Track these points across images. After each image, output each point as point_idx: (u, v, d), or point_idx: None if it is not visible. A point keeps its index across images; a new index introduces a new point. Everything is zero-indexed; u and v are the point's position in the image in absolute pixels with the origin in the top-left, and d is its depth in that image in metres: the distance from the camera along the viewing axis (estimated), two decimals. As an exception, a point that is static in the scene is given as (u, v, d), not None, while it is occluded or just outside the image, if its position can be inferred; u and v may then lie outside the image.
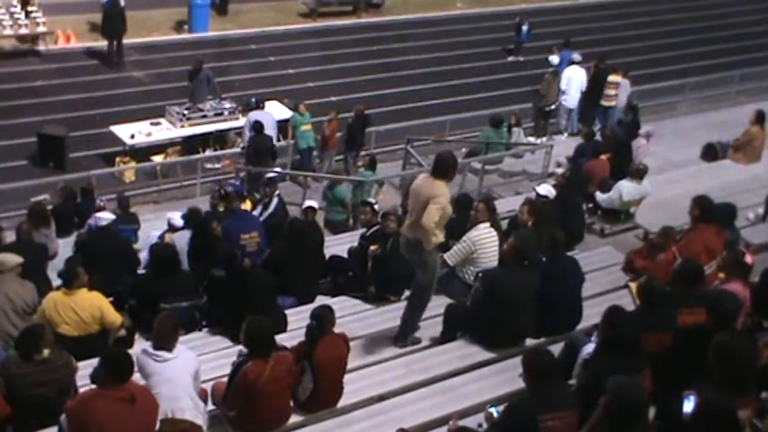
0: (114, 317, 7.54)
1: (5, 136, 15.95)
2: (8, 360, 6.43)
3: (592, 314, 7.66)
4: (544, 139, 16.63)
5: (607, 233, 10.83)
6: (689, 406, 5.03)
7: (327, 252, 9.88)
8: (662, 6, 27.88)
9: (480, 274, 8.11)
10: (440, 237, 6.98)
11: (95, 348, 7.24)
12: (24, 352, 6.26)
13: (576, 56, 17.15)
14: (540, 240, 8.40)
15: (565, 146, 15.07)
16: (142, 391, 5.57)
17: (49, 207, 11.00)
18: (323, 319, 6.50)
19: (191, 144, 16.04)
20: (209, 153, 15.94)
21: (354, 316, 8.41)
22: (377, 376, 7.08)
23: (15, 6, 19.62)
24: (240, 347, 6.43)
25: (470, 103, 18.78)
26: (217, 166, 15.68)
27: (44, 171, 14.80)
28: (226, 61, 20.35)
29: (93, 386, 5.87)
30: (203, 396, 6.33)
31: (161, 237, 9.78)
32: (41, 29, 19.74)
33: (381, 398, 6.78)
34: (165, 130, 15.90)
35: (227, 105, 16.55)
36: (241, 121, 15.70)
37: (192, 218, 9.71)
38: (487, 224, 8.53)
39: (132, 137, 15.41)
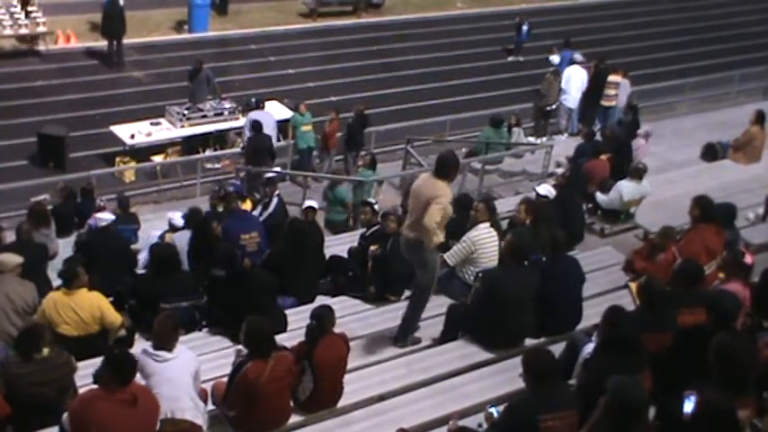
0: (114, 317, 7.54)
1: (5, 136, 15.95)
2: (8, 360, 6.42)
3: (592, 314, 7.66)
4: (544, 139, 16.63)
5: (607, 233, 10.83)
6: (689, 406, 5.03)
7: (327, 252, 9.88)
8: (662, 6, 27.88)
9: (480, 274, 8.12)
10: (440, 237, 6.98)
11: (95, 348, 7.26)
12: (23, 352, 6.26)
13: (578, 56, 17.15)
14: (538, 239, 8.42)
15: (565, 146, 15.07)
16: (143, 392, 5.57)
17: (49, 207, 11.00)
18: (323, 319, 6.50)
19: (191, 144, 16.04)
20: (209, 153, 15.94)
21: (354, 316, 8.41)
22: (377, 376, 7.08)
23: (15, 6, 19.60)
24: (238, 346, 6.44)
25: (470, 103, 18.78)
26: (217, 166, 15.68)
27: (44, 171, 14.80)
28: (226, 61, 20.34)
29: (94, 386, 5.87)
30: (203, 396, 6.33)
31: (161, 237, 9.77)
32: (41, 29, 19.73)
33: (381, 398, 6.78)
34: (165, 130, 15.90)
35: (227, 105, 16.55)
36: (241, 121, 15.70)
37: (192, 218, 9.71)
38: (487, 224, 8.54)
39: (132, 137, 15.41)
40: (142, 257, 9.43)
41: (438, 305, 8.17)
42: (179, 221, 9.74)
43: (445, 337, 7.70)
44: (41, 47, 19.80)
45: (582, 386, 5.90)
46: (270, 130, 14.52)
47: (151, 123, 15.91)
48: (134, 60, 20.13)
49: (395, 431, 5.76)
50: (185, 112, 16.03)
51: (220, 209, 10.70)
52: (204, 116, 16.17)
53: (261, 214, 11.01)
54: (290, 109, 16.29)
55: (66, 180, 13.17)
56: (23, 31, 19.56)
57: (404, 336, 7.67)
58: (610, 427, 4.95)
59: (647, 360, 5.90)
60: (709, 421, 4.88)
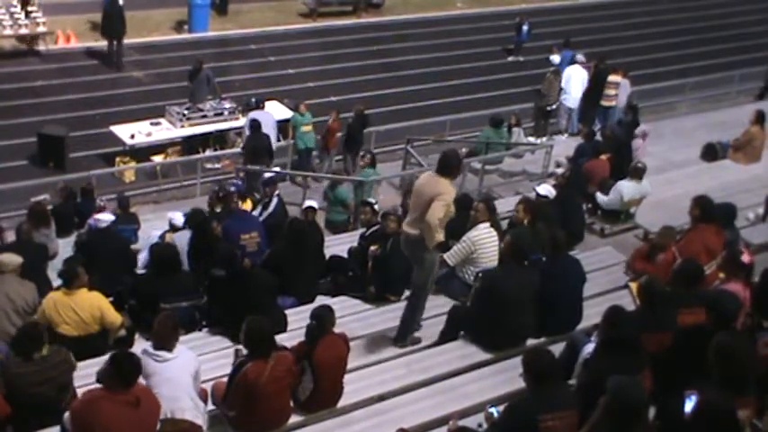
0: (114, 317, 7.54)
1: (5, 136, 15.95)
2: (8, 360, 6.42)
3: (592, 314, 7.67)
4: (544, 139, 16.63)
5: (607, 233, 10.83)
6: (690, 406, 5.04)
7: (327, 252, 9.88)
8: (662, 6, 27.89)
9: (480, 274, 8.12)
10: (441, 235, 6.98)
11: (95, 348, 7.27)
12: (22, 352, 6.25)
13: (580, 56, 17.14)
14: (538, 239, 8.43)
15: (565, 146, 15.07)
16: (145, 394, 5.58)
17: (49, 207, 11.00)
18: (323, 319, 6.50)
19: (191, 144, 16.04)
20: (209, 153, 15.94)
21: (354, 316, 8.40)
22: (377, 376, 7.08)
23: (15, 6, 19.60)
24: (237, 346, 6.44)
25: (470, 103, 18.78)
26: (217, 166, 15.68)
27: (44, 171, 14.79)
28: (226, 61, 20.34)
29: (95, 385, 5.86)
30: (203, 396, 6.33)
31: (161, 237, 9.77)
32: (41, 29, 19.73)
33: (381, 398, 6.78)
34: (165, 130, 15.90)
35: (227, 105, 16.55)
36: (241, 121, 15.70)
37: (192, 218, 9.71)
38: (487, 224, 8.54)
39: (132, 137, 15.41)
40: (142, 257, 9.43)
41: (438, 305, 8.17)
42: (179, 221, 9.74)
43: (445, 337, 7.70)
44: (41, 47, 19.80)
45: (582, 386, 5.90)
46: (270, 129, 14.52)
47: (151, 123, 15.90)
48: (134, 60, 20.13)
49: (395, 431, 5.76)
50: (185, 112, 16.03)
51: (218, 210, 10.70)
52: (204, 116, 16.17)
53: (261, 214, 11.01)
54: (291, 109, 16.28)
55: (66, 180, 13.17)
56: (23, 31, 19.56)
57: (403, 336, 7.67)
58: (610, 427, 4.95)
59: (647, 360, 5.90)
60: (709, 421, 4.88)
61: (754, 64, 21.25)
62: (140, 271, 9.21)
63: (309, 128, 15.41)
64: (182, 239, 9.25)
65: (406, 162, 14.92)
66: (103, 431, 5.32)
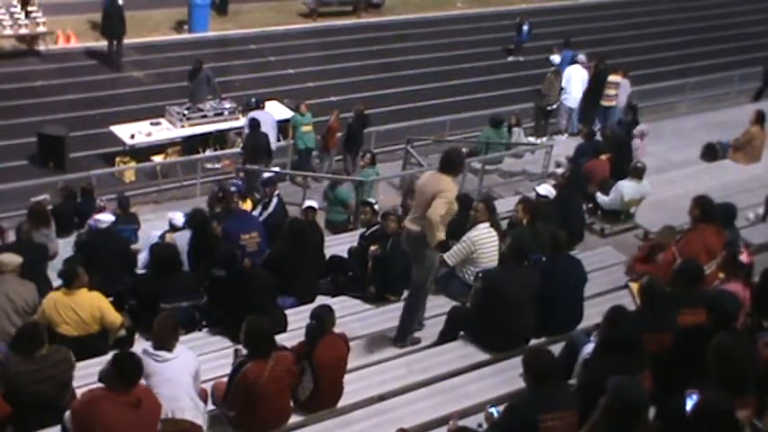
0: (114, 317, 7.54)
1: (5, 136, 15.95)
2: (8, 359, 6.42)
3: (592, 314, 7.68)
4: (544, 139, 16.63)
5: (607, 233, 10.83)
6: (691, 405, 5.04)
7: (327, 252, 9.88)
8: (662, 6, 27.89)
9: (480, 274, 8.12)
10: (442, 233, 6.99)
11: (95, 348, 7.27)
12: (21, 351, 6.25)
13: (582, 57, 17.13)
14: (537, 238, 8.43)
15: (565, 146, 15.06)
16: (146, 394, 5.58)
17: (49, 207, 11.00)
18: (323, 319, 6.50)
19: (191, 144, 16.04)
20: (209, 153, 15.94)
21: (354, 316, 8.41)
22: (377, 376, 7.08)
23: (15, 6, 19.61)
24: (237, 346, 6.44)
25: (470, 103, 18.78)
26: (217, 166, 15.68)
27: (44, 171, 14.79)
28: (226, 61, 20.35)
29: (95, 385, 5.86)
30: (203, 396, 6.33)
31: (161, 236, 9.77)
32: (41, 29, 19.73)
33: (381, 398, 6.78)
34: (165, 130, 15.90)
35: (227, 105, 16.55)
36: (241, 121, 15.69)
37: (192, 218, 9.71)
38: (487, 224, 8.55)
39: (132, 137, 15.41)
40: (142, 257, 9.43)
41: (438, 305, 8.17)
42: (179, 221, 9.74)
43: (444, 337, 7.70)
44: (41, 47, 19.80)
45: (582, 386, 5.90)
46: (269, 129, 14.53)
47: (151, 123, 15.91)
48: (134, 60, 20.14)
49: (395, 431, 5.76)
50: (185, 112, 16.03)
51: (217, 210, 10.69)
52: (204, 116, 16.17)
53: (261, 214, 11.01)
54: (291, 109, 16.29)
55: (67, 180, 13.16)
56: (23, 31, 19.57)
57: (403, 336, 7.67)
58: (610, 427, 4.95)
59: (647, 360, 5.90)
60: (708, 421, 4.87)
61: (754, 64, 21.22)
62: (140, 271, 9.21)
63: (309, 128, 15.41)
64: (182, 239, 9.25)
65: (406, 162, 14.92)
66: (104, 431, 5.32)
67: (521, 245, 7.61)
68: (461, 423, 5.82)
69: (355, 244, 9.89)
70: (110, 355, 5.77)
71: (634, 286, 8.26)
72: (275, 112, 16.06)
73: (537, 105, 17.25)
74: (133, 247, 10.10)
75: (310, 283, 9.08)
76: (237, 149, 15.40)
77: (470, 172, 14.04)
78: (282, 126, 15.75)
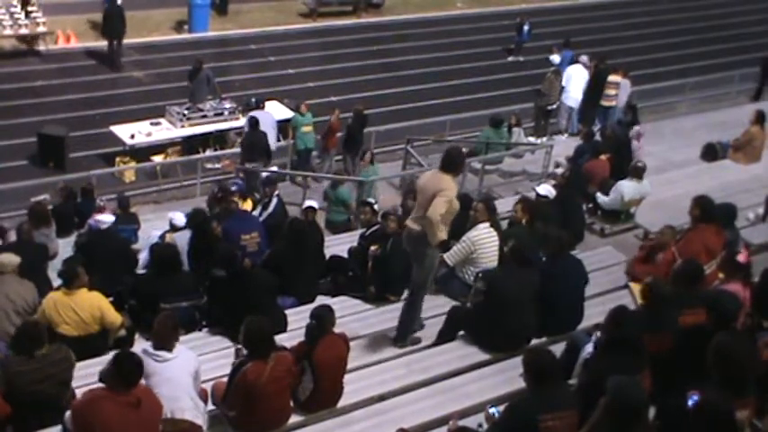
0: (114, 317, 7.54)
1: (5, 136, 15.95)
2: (8, 359, 6.42)
3: (592, 314, 7.68)
4: (544, 139, 16.64)
5: (607, 233, 10.83)
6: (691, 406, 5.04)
7: (327, 252, 9.88)
8: (662, 6, 27.89)
9: (480, 274, 8.12)
10: (444, 233, 7.00)
11: (95, 348, 7.27)
12: (21, 351, 6.25)
13: (584, 57, 17.11)
14: (536, 238, 8.43)
15: (565, 146, 15.07)
16: (147, 394, 5.57)
17: (49, 207, 11.00)
18: (323, 319, 6.50)
19: (191, 144, 16.04)
20: (209, 153, 15.94)
21: (354, 316, 8.41)
22: (377, 376, 7.08)
23: (15, 6, 19.61)
24: (237, 345, 6.44)
25: (470, 103, 18.78)
26: (217, 166, 15.68)
27: (44, 171, 14.79)
28: (226, 61, 20.35)
29: (95, 385, 5.86)
30: (203, 396, 6.33)
31: (162, 236, 9.77)
32: (41, 29, 19.73)
33: (381, 398, 6.78)
34: (165, 130, 15.90)
35: (227, 105, 16.55)
36: (241, 121, 15.69)
37: (192, 218, 9.71)
38: (487, 224, 8.55)
39: (132, 137, 15.41)
40: (142, 257, 9.43)
41: (438, 305, 8.18)
42: (180, 221, 9.73)
43: (443, 337, 7.70)
44: (41, 47, 19.80)
45: (582, 386, 5.90)
46: (269, 129, 14.52)
47: (151, 123, 15.90)
48: (134, 60, 20.14)
49: (395, 431, 5.76)
50: (185, 112, 16.03)
51: (217, 210, 10.69)
52: (204, 116, 16.17)
53: (261, 214, 11.01)
54: (291, 109, 16.29)
55: (67, 180, 13.16)
56: (23, 31, 19.57)
57: (403, 336, 7.67)
58: (610, 427, 4.95)
59: (647, 360, 5.89)
60: (708, 422, 4.88)
61: (754, 64, 21.18)
62: (141, 271, 9.20)
63: (310, 128, 15.42)
64: (182, 239, 9.25)
65: (406, 162, 14.92)
66: (104, 431, 5.32)
67: (523, 249, 7.59)
68: (461, 423, 5.82)
69: (355, 244, 9.89)
70: (110, 355, 5.77)
71: (634, 286, 8.28)
72: (275, 112, 16.07)
73: (537, 105, 17.25)
74: (133, 247, 10.10)
75: (310, 283, 9.08)
76: (237, 149, 15.40)
77: (470, 172, 14.05)
78: (282, 126, 15.76)
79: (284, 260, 8.83)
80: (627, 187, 10.62)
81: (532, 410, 5.29)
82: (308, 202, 10.43)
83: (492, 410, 5.78)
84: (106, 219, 9.66)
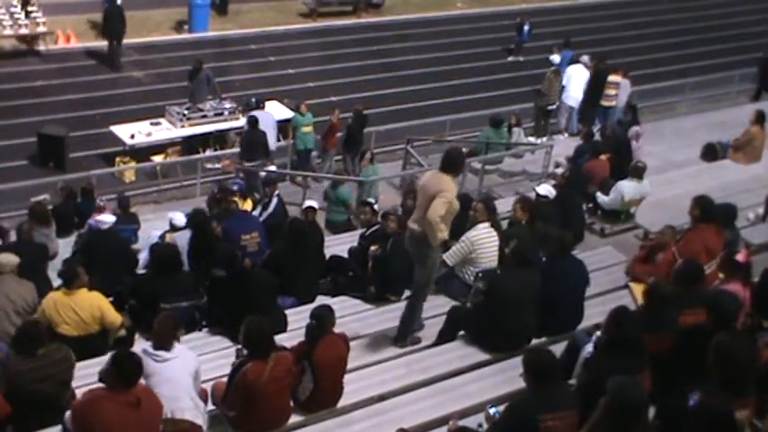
0: (114, 317, 7.54)
1: (5, 136, 15.95)
2: (9, 358, 6.43)
3: (592, 314, 7.68)
4: (544, 139, 16.64)
5: (607, 233, 10.83)
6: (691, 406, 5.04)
7: (327, 252, 9.88)
8: (662, 6, 27.89)
9: (480, 274, 8.12)
10: (445, 233, 7.00)
11: (95, 348, 7.27)
12: (22, 350, 6.25)
13: (585, 58, 17.11)
14: (536, 238, 8.43)
15: (565, 146, 15.07)
16: (147, 394, 5.57)
17: (49, 207, 11.00)
18: (323, 319, 6.50)
19: (191, 144, 16.04)
20: (209, 153, 15.94)
21: (354, 316, 8.41)
22: (377, 376, 7.08)
23: (15, 6, 19.62)
24: (238, 345, 6.44)
25: (470, 103, 18.78)
26: (217, 166, 15.67)
27: (44, 171, 14.80)
28: (226, 61, 20.35)
29: (95, 385, 5.86)
30: (203, 396, 6.33)
31: (162, 236, 9.77)
32: (41, 29, 19.74)
33: (381, 398, 6.78)
34: (165, 130, 15.90)
35: (227, 105, 16.55)
36: (241, 122, 15.69)
37: (192, 218, 9.71)
38: (487, 224, 8.54)
39: (132, 137, 15.41)
40: (143, 257, 9.43)
41: (438, 305, 8.17)
42: (180, 221, 9.73)
43: (443, 337, 7.70)
44: (41, 47, 19.80)
45: (582, 386, 5.90)
46: (269, 129, 14.52)
47: (151, 123, 15.91)
48: (134, 60, 20.14)
49: (395, 431, 5.76)
50: (185, 112, 16.03)
51: (215, 211, 10.69)
52: (204, 116, 16.17)
53: (261, 214, 11.01)
54: (291, 109, 16.30)
55: (67, 180, 13.16)
56: (23, 31, 19.57)
57: (403, 336, 7.67)
58: (610, 427, 4.95)
59: (647, 360, 5.89)
60: (708, 422, 4.87)
61: (753, 64, 21.13)
62: (141, 271, 9.20)
63: (310, 128, 15.42)
64: (182, 239, 9.25)
65: (406, 162, 14.92)
66: (104, 431, 5.32)
67: (525, 251, 7.59)
68: (461, 423, 5.82)
69: (355, 244, 9.88)
70: (110, 355, 5.77)
71: (634, 286, 8.28)
72: (275, 112, 16.07)
73: (537, 105, 17.25)
74: (133, 247, 10.10)
75: (310, 283, 9.08)
76: (237, 149, 15.40)
77: (470, 172, 14.05)
78: (282, 126, 15.75)
79: (284, 260, 8.83)
80: (627, 187, 10.62)
81: (532, 410, 5.29)
82: (308, 202, 10.43)
83: (492, 410, 5.78)
84: (107, 219, 9.66)
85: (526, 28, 22.34)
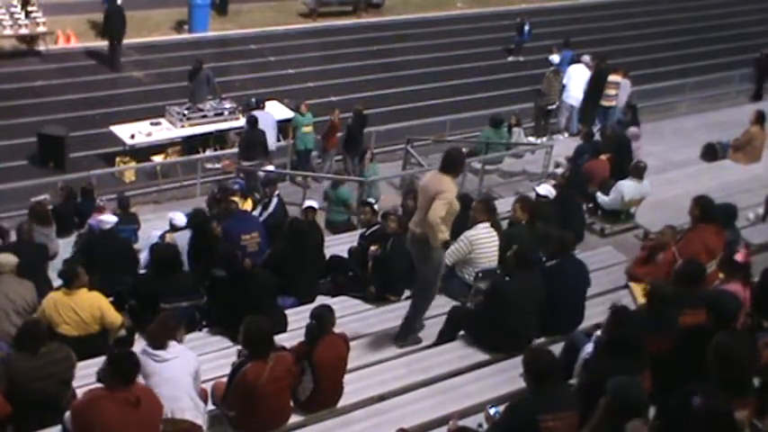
0: (114, 317, 7.54)
1: (5, 136, 15.95)
2: (10, 357, 6.43)
3: (592, 314, 7.68)
4: (544, 139, 16.64)
5: (607, 233, 10.83)
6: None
7: (327, 252, 9.88)
8: (662, 6, 27.90)
9: (480, 274, 8.12)
10: (446, 233, 7.00)
11: (95, 348, 7.27)
12: (24, 349, 6.25)
13: (586, 57, 17.11)
14: (536, 238, 8.42)
15: (565, 146, 15.07)
16: (146, 394, 5.57)
17: (49, 207, 11.00)
18: (323, 319, 6.50)
19: (191, 144, 16.05)
20: (209, 153, 15.94)
21: (354, 316, 8.40)
22: (377, 376, 7.08)
23: (15, 6, 19.62)
24: (239, 346, 6.44)
25: (470, 103, 18.78)
26: (217, 166, 15.68)
27: (44, 171, 14.80)
28: (226, 61, 20.35)
29: (95, 385, 5.86)
30: (203, 396, 6.33)
31: (162, 236, 9.77)
32: (41, 29, 19.73)
33: (381, 398, 6.78)
34: (165, 130, 15.90)
35: (227, 105, 16.55)
36: (241, 122, 15.69)
37: (192, 218, 9.71)
38: (487, 224, 8.54)
39: (132, 137, 15.42)
40: (143, 257, 9.43)
41: (438, 305, 8.16)
42: (180, 221, 9.73)
43: (443, 337, 7.70)
44: (41, 47, 19.80)
45: (582, 386, 5.90)
46: (269, 129, 14.52)
47: (151, 123, 15.91)
48: (134, 60, 20.14)
49: (395, 431, 5.76)
50: (185, 112, 16.03)
51: (215, 211, 10.69)
52: (204, 116, 16.17)
53: (261, 214, 11.01)
54: (291, 109, 16.30)
55: (67, 180, 13.16)
56: (23, 31, 19.57)
57: (404, 336, 7.67)
58: (610, 428, 4.95)
59: (647, 361, 5.89)
60: (708, 422, 4.87)
61: (752, 64, 21.24)
62: (140, 271, 9.20)
63: (310, 128, 15.43)
64: (182, 239, 9.25)
65: (406, 162, 14.92)
66: (104, 430, 5.32)
67: (526, 253, 7.58)
68: (461, 423, 5.81)
69: (355, 244, 9.89)
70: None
71: (634, 286, 8.28)
72: (275, 112, 16.07)
73: (537, 105, 17.26)
74: (134, 247, 10.10)
75: (310, 283, 9.08)
76: (237, 149, 15.41)
77: (470, 172, 14.04)
78: (282, 126, 15.75)
79: (284, 260, 8.83)
80: (627, 187, 10.62)
81: (533, 411, 5.29)
82: (308, 202, 10.43)
83: (492, 410, 5.78)
84: (110, 219, 9.64)
85: (526, 28, 22.35)
